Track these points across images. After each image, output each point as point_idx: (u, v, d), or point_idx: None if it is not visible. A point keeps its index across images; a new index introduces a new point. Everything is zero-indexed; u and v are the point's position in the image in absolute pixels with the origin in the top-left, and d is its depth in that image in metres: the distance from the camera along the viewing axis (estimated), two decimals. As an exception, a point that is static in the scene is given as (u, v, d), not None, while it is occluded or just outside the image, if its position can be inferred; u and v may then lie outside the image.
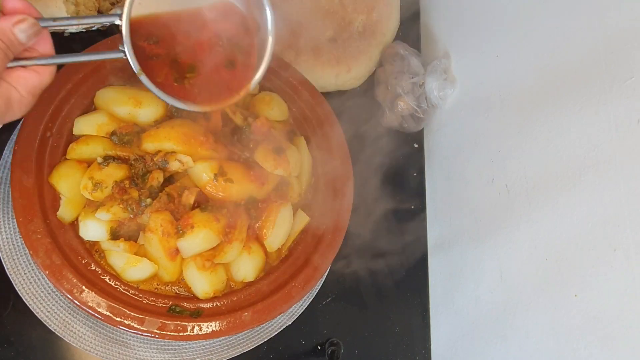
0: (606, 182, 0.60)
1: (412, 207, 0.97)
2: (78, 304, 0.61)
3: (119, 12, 0.50)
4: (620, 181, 0.58)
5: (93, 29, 0.77)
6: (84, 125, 0.68)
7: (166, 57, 0.57)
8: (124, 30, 0.50)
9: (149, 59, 0.55)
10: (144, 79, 0.52)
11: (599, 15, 0.62)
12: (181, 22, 0.57)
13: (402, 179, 0.98)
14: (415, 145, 1.01)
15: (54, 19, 0.49)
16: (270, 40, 0.59)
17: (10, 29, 0.45)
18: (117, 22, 0.50)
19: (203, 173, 0.67)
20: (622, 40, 0.59)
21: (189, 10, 0.57)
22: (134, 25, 0.51)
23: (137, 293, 0.66)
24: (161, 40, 0.56)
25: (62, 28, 0.74)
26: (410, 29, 1.06)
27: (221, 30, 0.59)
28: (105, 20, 0.52)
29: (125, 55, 0.50)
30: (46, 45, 0.49)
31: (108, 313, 0.62)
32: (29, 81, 0.48)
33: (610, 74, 0.60)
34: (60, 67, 0.51)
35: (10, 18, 0.45)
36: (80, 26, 0.74)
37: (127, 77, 0.72)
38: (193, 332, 0.64)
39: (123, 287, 0.65)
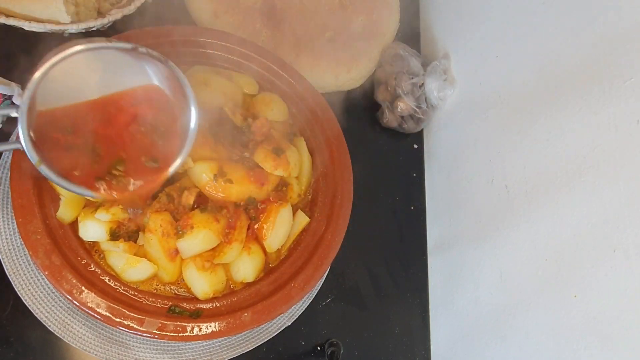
0: (606, 182, 0.60)
1: (412, 207, 0.97)
2: (77, 304, 0.61)
3: (18, 102, 0.46)
4: (620, 181, 0.58)
5: (93, 29, 0.77)
6: (84, 125, 0.68)
7: (84, 147, 0.54)
8: (21, 122, 0.46)
9: (65, 150, 0.52)
10: (43, 169, 0.49)
11: (599, 15, 0.62)
12: (99, 110, 0.54)
13: (402, 180, 0.98)
14: (415, 146, 1.02)
15: None
16: (191, 133, 0.57)
17: None
18: (14, 114, 0.46)
19: (203, 173, 0.67)
20: (622, 40, 0.59)
21: (108, 97, 0.54)
22: (46, 115, 0.48)
23: (136, 293, 0.65)
24: (77, 130, 0.53)
25: (62, 29, 0.74)
26: (410, 29, 1.06)
27: (144, 115, 0.57)
28: (1, 113, 0.48)
29: (22, 147, 0.48)
30: None
31: (107, 314, 0.62)
32: None
33: (610, 74, 0.60)
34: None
35: None
36: (79, 26, 0.74)
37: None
38: (192, 332, 0.64)
39: (123, 288, 0.65)
